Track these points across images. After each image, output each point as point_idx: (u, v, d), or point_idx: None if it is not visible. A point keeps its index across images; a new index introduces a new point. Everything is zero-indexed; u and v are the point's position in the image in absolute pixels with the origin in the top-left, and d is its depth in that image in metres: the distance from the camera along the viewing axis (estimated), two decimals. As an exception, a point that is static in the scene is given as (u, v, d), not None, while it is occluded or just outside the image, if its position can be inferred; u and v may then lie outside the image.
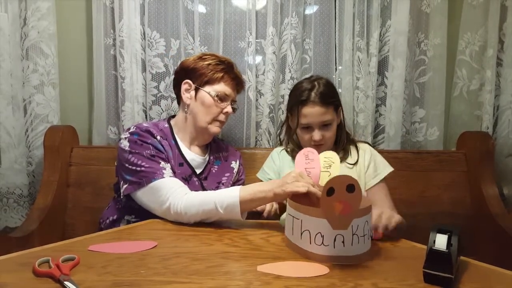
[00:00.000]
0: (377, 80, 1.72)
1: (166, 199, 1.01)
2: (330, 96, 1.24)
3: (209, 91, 1.19)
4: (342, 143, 1.31)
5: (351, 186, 0.72)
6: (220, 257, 0.79)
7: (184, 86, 1.22)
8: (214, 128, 1.23)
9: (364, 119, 1.70)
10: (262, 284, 0.66)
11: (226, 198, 0.97)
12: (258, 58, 1.72)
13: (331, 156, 1.01)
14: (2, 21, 1.49)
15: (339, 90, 1.73)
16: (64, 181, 1.56)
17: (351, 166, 1.28)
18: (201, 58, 1.23)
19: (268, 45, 1.66)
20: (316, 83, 1.25)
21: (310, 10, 1.72)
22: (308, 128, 1.25)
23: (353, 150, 1.32)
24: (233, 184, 1.31)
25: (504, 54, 1.67)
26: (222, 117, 1.23)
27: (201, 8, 1.70)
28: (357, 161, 1.28)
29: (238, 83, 1.27)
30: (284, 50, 1.69)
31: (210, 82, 1.20)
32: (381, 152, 1.59)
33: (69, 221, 1.55)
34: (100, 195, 1.52)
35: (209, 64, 1.20)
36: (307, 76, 1.36)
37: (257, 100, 1.72)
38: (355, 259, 0.76)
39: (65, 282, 0.63)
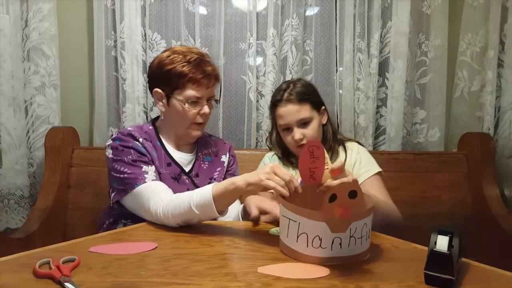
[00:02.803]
0: (378, 81, 1.72)
1: (149, 204, 1.00)
2: (304, 94, 1.23)
3: (179, 98, 1.13)
4: (329, 142, 1.29)
5: (354, 192, 0.72)
6: (220, 258, 0.79)
7: (155, 96, 1.18)
8: (194, 133, 1.18)
9: (365, 120, 1.70)
10: (262, 285, 0.66)
11: (200, 197, 0.93)
12: (259, 60, 1.72)
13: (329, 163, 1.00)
14: (4, 22, 1.49)
15: (340, 91, 1.73)
16: (65, 182, 1.56)
17: None
18: (167, 59, 1.14)
19: (268, 47, 1.66)
20: (292, 84, 1.25)
21: (311, 11, 1.72)
22: (289, 129, 1.23)
23: (341, 150, 1.29)
24: (224, 176, 1.27)
25: (505, 55, 1.67)
26: (199, 119, 1.16)
27: (202, 10, 1.70)
28: (345, 160, 1.27)
29: (209, 80, 1.15)
30: (284, 51, 1.69)
31: (178, 88, 1.13)
32: (381, 153, 1.59)
33: (70, 222, 1.55)
34: (100, 196, 1.51)
35: (174, 68, 1.11)
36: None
37: (257, 101, 1.72)
38: (351, 259, 0.76)
39: (65, 283, 0.63)
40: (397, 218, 1.15)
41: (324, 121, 1.29)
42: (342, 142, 1.31)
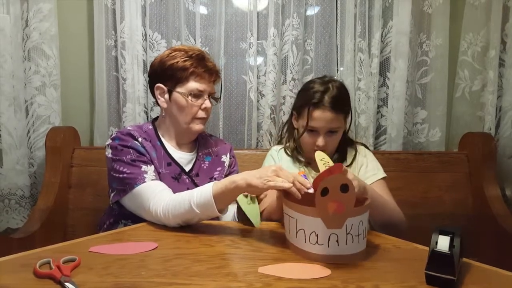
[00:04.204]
0: (379, 81, 1.72)
1: (148, 204, 1.00)
2: (343, 103, 1.20)
3: (181, 92, 1.15)
4: (344, 148, 1.28)
5: (345, 186, 0.72)
6: (221, 258, 0.79)
7: (157, 91, 1.19)
8: (196, 126, 1.19)
9: (366, 120, 1.70)
10: (263, 285, 0.65)
11: (200, 196, 0.94)
12: (260, 59, 1.72)
13: (324, 156, 1.01)
14: (4, 22, 1.49)
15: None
16: (66, 182, 1.56)
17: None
18: (169, 56, 1.17)
19: (269, 46, 1.66)
20: (330, 85, 1.19)
21: (312, 11, 1.72)
22: (314, 131, 1.20)
23: (350, 151, 1.29)
24: (226, 177, 1.27)
25: (506, 55, 1.66)
26: (201, 114, 1.18)
27: (202, 9, 1.70)
28: (352, 162, 1.26)
29: (211, 74, 1.19)
30: (285, 51, 1.69)
31: (180, 81, 1.15)
32: (382, 153, 1.59)
33: (70, 223, 1.55)
34: (101, 196, 1.51)
35: (177, 63, 1.14)
36: (320, 76, 1.30)
37: (258, 101, 1.72)
38: (349, 258, 0.76)
39: (65, 284, 0.63)
40: (401, 222, 1.15)
41: (346, 128, 1.28)
42: (353, 146, 1.31)
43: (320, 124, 1.18)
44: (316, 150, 1.17)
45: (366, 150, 1.32)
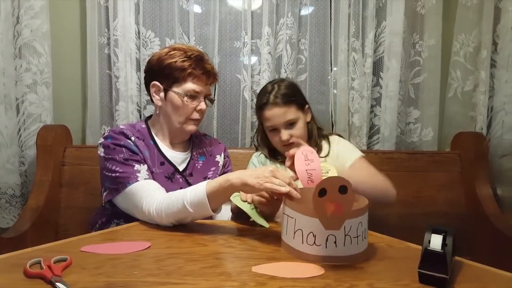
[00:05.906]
0: (372, 80, 1.73)
1: (141, 203, 1.00)
2: (289, 96, 1.25)
3: (177, 91, 1.14)
4: (315, 139, 1.32)
5: (344, 187, 0.72)
6: (214, 257, 0.78)
7: (152, 89, 1.18)
8: (190, 127, 1.19)
9: (359, 120, 1.71)
10: (257, 284, 0.65)
11: (194, 195, 0.93)
12: (254, 58, 1.72)
13: (328, 166, 1.02)
14: (-5, 19, 1.47)
15: (334, 91, 1.74)
16: (57, 181, 1.54)
17: (323, 159, 1.27)
18: (167, 54, 1.16)
19: (263, 45, 1.66)
20: (276, 85, 1.27)
21: (306, 10, 1.72)
22: (275, 130, 1.26)
23: (325, 144, 1.33)
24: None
25: (498, 55, 1.68)
26: (196, 115, 1.18)
27: (197, 8, 1.69)
28: (328, 152, 1.29)
29: (208, 77, 1.18)
30: (279, 50, 1.69)
31: (177, 81, 1.14)
32: (376, 152, 1.61)
33: (62, 222, 1.54)
34: (93, 195, 1.50)
35: (175, 62, 1.13)
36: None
37: (252, 100, 1.71)
38: (347, 259, 0.76)
39: (56, 283, 0.62)
40: (392, 195, 1.18)
41: (309, 119, 1.32)
42: (326, 137, 1.35)
43: (273, 122, 1.24)
44: (284, 145, 1.23)
45: (340, 138, 1.37)
